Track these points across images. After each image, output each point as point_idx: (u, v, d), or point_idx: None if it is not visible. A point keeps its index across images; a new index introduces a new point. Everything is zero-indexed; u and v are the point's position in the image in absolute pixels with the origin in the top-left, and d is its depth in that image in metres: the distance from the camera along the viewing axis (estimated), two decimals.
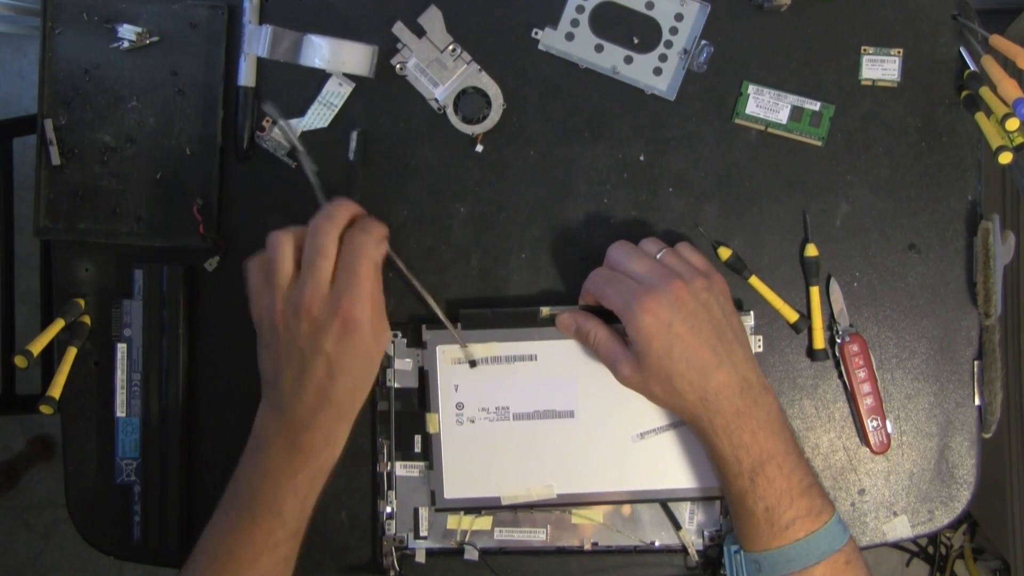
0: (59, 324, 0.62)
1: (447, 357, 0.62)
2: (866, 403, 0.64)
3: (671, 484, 0.62)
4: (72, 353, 0.63)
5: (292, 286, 0.54)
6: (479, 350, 0.62)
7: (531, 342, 0.62)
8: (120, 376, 0.64)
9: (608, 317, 0.59)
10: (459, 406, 0.62)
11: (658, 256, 0.58)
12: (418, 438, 0.63)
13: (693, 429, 0.58)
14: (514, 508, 0.63)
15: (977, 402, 0.65)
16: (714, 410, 0.55)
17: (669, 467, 0.62)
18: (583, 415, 0.62)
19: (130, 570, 1.46)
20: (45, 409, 0.61)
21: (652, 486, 0.62)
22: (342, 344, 0.53)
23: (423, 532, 0.64)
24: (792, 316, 0.64)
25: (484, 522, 0.64)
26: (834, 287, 0.65)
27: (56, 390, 0.62)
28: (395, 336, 0.63)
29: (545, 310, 0.61)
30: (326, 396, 0.54)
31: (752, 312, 0.64)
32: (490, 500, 0.62)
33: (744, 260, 0.64)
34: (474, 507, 0.63)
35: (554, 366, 0.62)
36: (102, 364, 0.65)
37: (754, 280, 0.64)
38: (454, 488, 0.62)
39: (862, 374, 0.64)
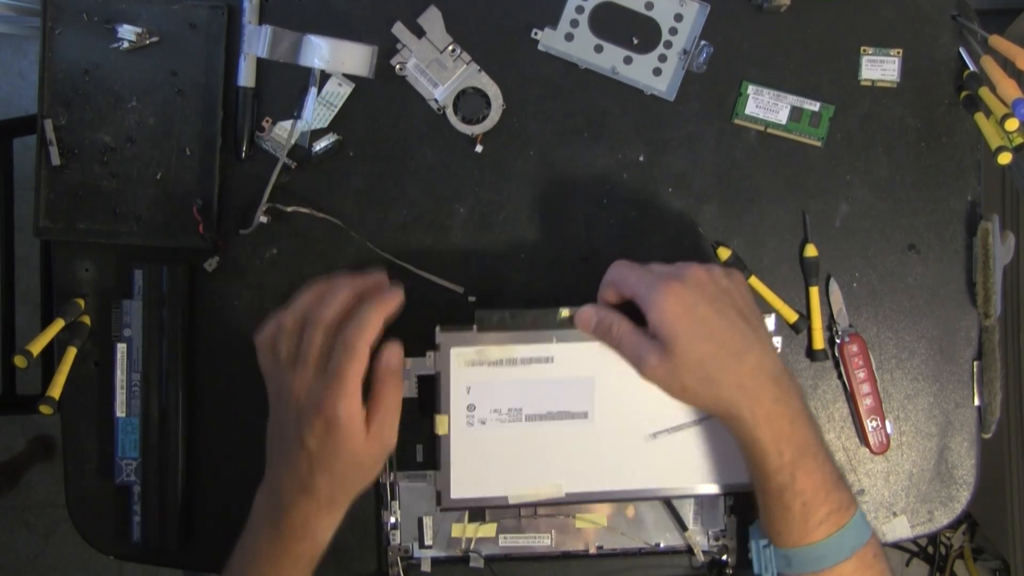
0: (59, 324, 0.62)
1: (460, 359, 0.60)
2: (866, 403, 0.64)
3: (685, 483, 0.61)
4: (72, 353, 0.63)
5: (289, 368, 0.52)
6: (495, 352, 0.60)
7: (548, 344, 0.60)
8: (120, 376, 0.64)
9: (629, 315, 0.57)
10: (471, 408, 0.61)
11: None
12: (420, 448, 0.63)
13: (727, 422, 0.54)
14: (519, 508, 0.62)
15: (977, 402, 0.65)
16: (753, 397, 0.52)
17: (683, 467, 0.61)
18: (597, 417, 0.60)
19: (130, 570, 1.46)
20: (45, 409, 0.61)
21: (665, 485, 0.61)
22: (323, 441, 0.51)
23: (428, 541, 0.63)
24: (792, 316, 0.64)
25: (489, 529, 0.64)
26: (834, 287, 0.65)
27: (56, 390, 0.62)
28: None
29: (564, 311, 0.59)
30: (305, 488, 0.52)
31: (774, 314, 0.63)
32: (497, 500, 0.61)
33: (744, 260, 0.64)
34: (479, 507, 0.62)
35: (570, 368, 0.60)
36: (102, 364, 0.65)
37: (754, 280, 0.64)
38: (461, 489, 0.61)
39: (861, 374, 0.64)
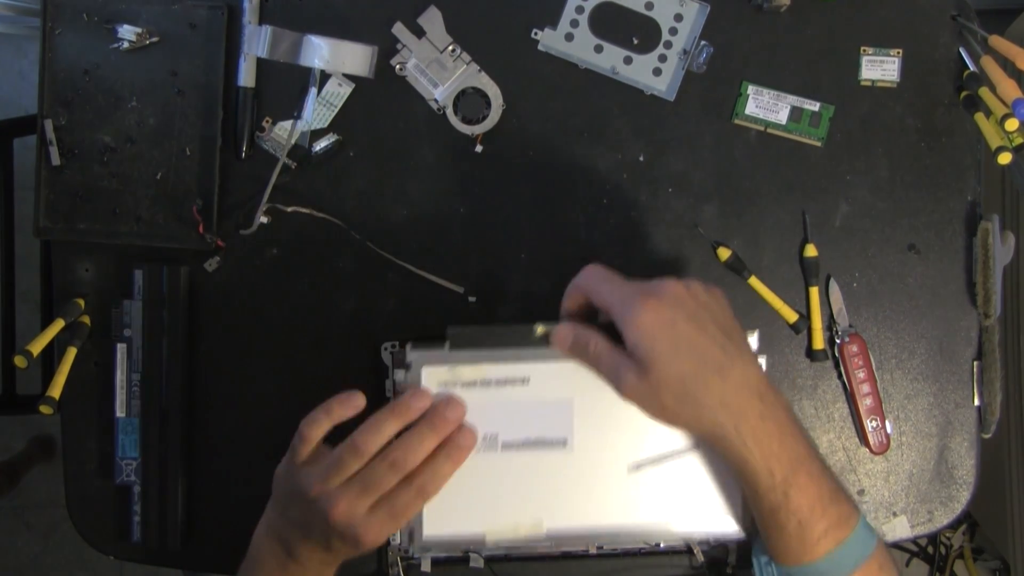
0: (59, 324, 0.62)
1: (433, 379, 0.56)
2: (865, 403, 0.64)
3: (673, 520, 0.59)
4: (72, 353, 0.63)
5: (343, 481, 0.52)
6: (467, 372, 0.57)
7: (523, 364, 0.56)
8: (120, 376, 0.64)
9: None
10: None
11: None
12: None
13: (713, 444, 0.52)
14: (499, 558, 0.61)
15: (977, 402, 0.65)
16: (739, 415, 0.50)
17: (670, 502, 0.58)
18: (577, 444, 0.57)
19: (130, 570, 1.46)
20: (45, 409, 0.61)
21: (651, 522, 0.58)
22: (351, 551, 0.53)
23: None
24: (791, 316, 0.64)
25: None
26: (833, 287, 0.65)
27: (56, 390, 0.62)
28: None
29: (540, 328, 0.56)
30: (318, 558, 0.54)
31: (757, 331, 0.59)
32: (474, 538, 0.58)
33: (744, 260, 0.64)
34: (455, 548, 0.61)
35: (547, 390, 0.57)
36: (102, 364, 0.65)
37: (754, 280, 0.64)
38: (435, 526, 0.58)
39: (861, 374, 0.64)
